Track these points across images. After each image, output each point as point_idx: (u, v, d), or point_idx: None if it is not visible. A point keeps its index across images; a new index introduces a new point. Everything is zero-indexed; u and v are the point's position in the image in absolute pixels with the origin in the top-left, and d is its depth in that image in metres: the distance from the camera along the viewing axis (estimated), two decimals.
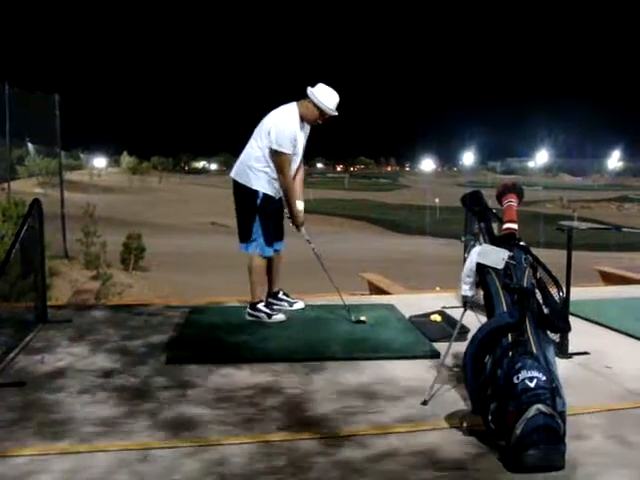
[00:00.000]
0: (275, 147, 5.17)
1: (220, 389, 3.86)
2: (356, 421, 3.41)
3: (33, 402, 3.59)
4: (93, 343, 4.76)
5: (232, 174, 5.48)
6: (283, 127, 5.18)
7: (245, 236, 5.39)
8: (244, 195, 5.39)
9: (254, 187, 5.31)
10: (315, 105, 5.22)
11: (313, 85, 5.28)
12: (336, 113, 5.32)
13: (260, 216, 5.32)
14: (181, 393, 3.79)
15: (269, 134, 5.19)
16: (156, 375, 4.09)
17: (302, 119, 5.29)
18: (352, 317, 5.36)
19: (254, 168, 5.30)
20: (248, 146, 5.39)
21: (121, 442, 3.12)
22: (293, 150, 5.24)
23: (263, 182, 5.30)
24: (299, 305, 5.74)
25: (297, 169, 5.47)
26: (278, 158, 5.20)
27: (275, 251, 5.53)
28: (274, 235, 5.43)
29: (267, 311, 5.37)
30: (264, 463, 2.93)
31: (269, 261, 5.51)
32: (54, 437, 3.16)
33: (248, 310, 5.40)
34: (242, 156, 5.42)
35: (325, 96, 5.23)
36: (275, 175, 5.28)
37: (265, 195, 5.31)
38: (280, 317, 5.36)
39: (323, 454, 3.03)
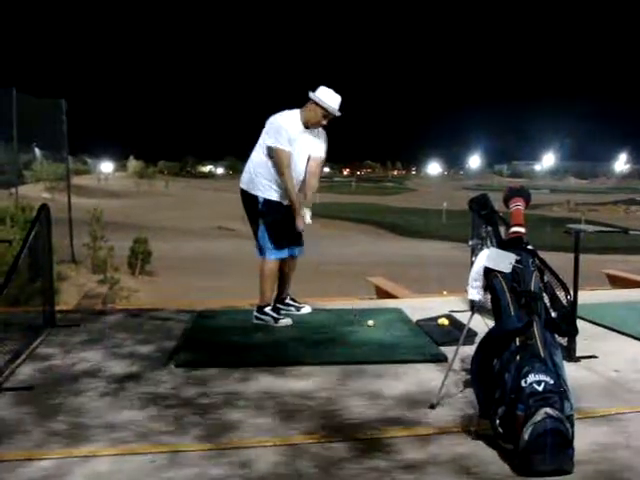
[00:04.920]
0: (271, 143, 5.21)
1: (236, 393, 3.86)
2: (363, 424, 3.41)
3: (50, 407, 3.59)
4: (102, 347, 4.77)
5: (240, 183, 5.52)
6: (279, 124, 5.24)
7: (257, 244, 5.43)
8: (248, 201, 5.44)
9: (255, 192, 5.35)
10: (319, 106, 5.25)
11: (314, 89, 5.33)
12: (339, 113, 5.35)
13: (264, 221, 5.34)
14: (197, 397, 3.78)
15: (267, 134, 5.26)
16: (168, 379, 4.10)
17: (307, 125, 5.31)
18: (359, 321, 5.36)
19: (257, 173, 5.34)
20: (253, 152, 5.44)
21: (146, 446, 3.12)
22: (290, 147, 5.23)
23: (265, 187, 5.32)
24: (306, 310, 5.75)
25: (310, 174, 5.47)
26: (276, 155, 5.21)
27: (292, 256, 5.55)
28: (286, 239, 5.41)
29: (274, 315, 5.37)
30: (291, 467, 2.94)
31: (282, 266, 5.53)
32: (78, 441, 3.16)
33: (255, 314, 5.41)
34: (248, 163, 5.47)
35: (328, 97, 5.27)
36: (279, 179, 5.29)
37: (266, 200, 5.33)
38: (287, 321, 5.36)
39: (328, 457, 3.03)
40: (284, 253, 5.42)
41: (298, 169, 5.37)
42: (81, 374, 4.16)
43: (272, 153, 5.24)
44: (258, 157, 5.35)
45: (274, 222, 5.35)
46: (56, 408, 3.58)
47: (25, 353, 4.53)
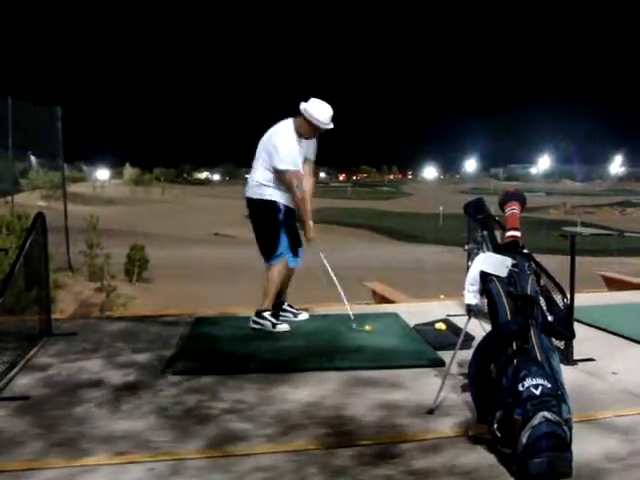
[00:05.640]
0: (280, 167, 5.24)
1: (237, 400, 3.84)
2: (366, 431, 3.40)
3: (48, 417, 3.57)
4: (100, 356, 4.75)
5: (246, 194, 5.52)
6: (283, 147, 5.26)
7: (270, 252, 5.42)
8: (263, 211, 5.44)
9: (272, 198, 5.37)
10: (308, 120, 5.26)
11: (306, 100, 5.34)
12: (330, 126, 5.37)
13: (284, 229, 5.38)
14: (197, 405, 3.76)
15: (272, 156, 5.26)
16: (167, 388, 4.08)
17: (300, 135, 5.34)
18: (357, 327, 5.37)
19: (269, 183, 5.37)
20: (255, 167, 5.46)
21: (146, 456, 3.10)
22: (298, 166, 5.30)
23: (279, 195, 5.36)
24: (303, 316, 5.75)
25: (306, 175, 5.49)
26: (285, 177, 5.26)
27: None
28: (299, 247, 5.49)
29: (272, 320, 5.37)
30: (297, 475, 2.92)
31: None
32: (78, 452, 3.14)
33: (254, 318, 5.41)
34: (252, 176, 5.48)
35: (317, 110, 5.28)
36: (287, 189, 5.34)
37: (285, 207, 5.39)
38: (284, 327, 5.36)
39: (333, 464, 3.02)
40: (298, 261, 5.51)
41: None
42: (79, 383, 4.14)
43: (282, 174, 5.27)
44: (264, 172, 5.37)
45: (292, 228, 5.43)
46: (55, 418, 3.56)
47: (21, 363, 4.51)
